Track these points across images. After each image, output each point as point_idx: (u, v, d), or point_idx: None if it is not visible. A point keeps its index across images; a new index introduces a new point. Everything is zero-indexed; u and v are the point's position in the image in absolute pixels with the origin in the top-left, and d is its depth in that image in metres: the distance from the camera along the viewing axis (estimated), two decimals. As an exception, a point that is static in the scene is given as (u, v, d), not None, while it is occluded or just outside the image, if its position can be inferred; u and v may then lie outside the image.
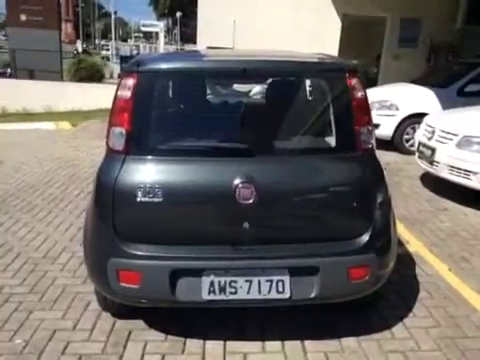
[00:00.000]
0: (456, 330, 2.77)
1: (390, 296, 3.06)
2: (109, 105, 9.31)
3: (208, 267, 2.27)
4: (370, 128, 2.40)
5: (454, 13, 10.14)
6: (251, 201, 2.20)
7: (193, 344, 2.59)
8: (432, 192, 5.54)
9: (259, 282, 2.27)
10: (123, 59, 23.33)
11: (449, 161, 4.89)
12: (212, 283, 2.27)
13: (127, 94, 2.28)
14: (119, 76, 20.05)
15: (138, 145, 2.29)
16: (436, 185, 5.59)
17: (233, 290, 2.27)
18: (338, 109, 2.38)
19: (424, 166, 5.50)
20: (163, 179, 2.25)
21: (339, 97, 2.37)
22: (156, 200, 2.21)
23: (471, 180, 4.68)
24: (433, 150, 5.16)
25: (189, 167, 2.29)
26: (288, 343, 2.59)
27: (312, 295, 2.30)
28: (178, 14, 41.89)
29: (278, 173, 2.30)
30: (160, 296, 2.31)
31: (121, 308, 2.71)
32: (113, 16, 35.92)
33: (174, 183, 2.25)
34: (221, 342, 2.60)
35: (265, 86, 5.84)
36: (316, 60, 2.59)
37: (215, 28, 10.01)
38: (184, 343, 2.60)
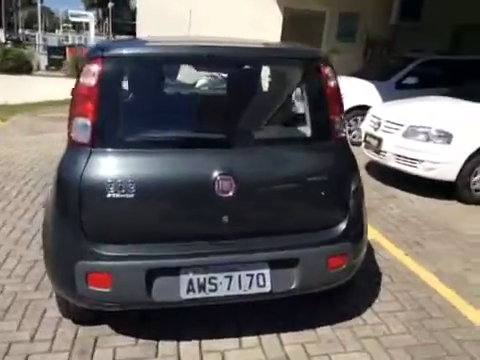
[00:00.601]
0: (421, 312, 2.87)
1: (355, 283, 3.11)
2: (39, 98, 8.79)
3: (186, 265, 2.16)
4: (343, 117, 2.40)
5: (389, 9, 10.61)
6: (231, 194, 2.11)
7: (166, 346, 2.47)
8: (378, 181, 5.75)
9: (239, 277, 2.20)
10: (51, 50, 22.01)
11: (396, 150, 5.09)
12: (191, 281, 2.16)
13: (91, 81, 2.10)
14: (46, 68, 18.75)
15: (105, 137, 2.11)
16: (381, 174, 5.80)
17: (213, 287, 2.18)
18: (313, 98, 2.34)
19: (371, 156, 5.68)
20: (134, 173, 2.09)
21: (314, 86, 2.34)
22: (128, 196, 2.06)
23: (417, 168, 4.90)
24: (380, 140, 5.34)
25: (162, 159, 2.15)
26: (264, 337, 2.55)
27: (292, 287, 2.26)
28: (110, 4, 40.30)
29: (256, 164, 2.22)
30: (135, 299, 2.16)
31: (85, 314, 2.52)
32: (39, 4, 33.75)
33: (147, 177, 2.10)
34: (196, 341, 2.50)
35: (211, 78, 5.75)
36: (290, 47, 2.54)
37: (157, 18, 9.70)
38: (156, 346, 2.47)
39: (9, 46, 19.70)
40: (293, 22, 10.55)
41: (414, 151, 4.89)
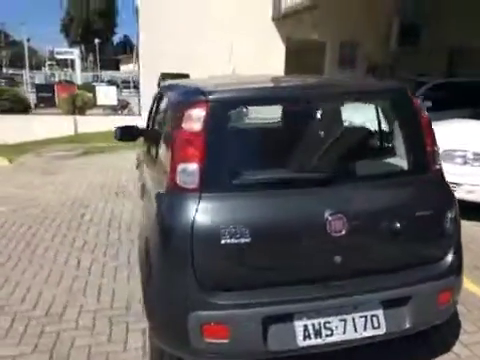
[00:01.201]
0: (510, 341, 2.81)
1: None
2: (37, 137, 8.75)
3: (300, 310, 2.07)
4: (436, 148, 2.39)
5: (388, 35, 10.93)
6: (343, 233, 2.06)
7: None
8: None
9: (353, 320, 2.12)
10: (39, 88, 21.97)
11: (432, 175, 5.09)
12: (306, 327, 2.07)
13: (196, 126, 2.05)
14: (35, 106, 18.66)
15: (213, 181, 2.06)
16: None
17: (329, 332, 2.09)
18: (409, 131, 2.34)
19: None
20: (246, 217, 2.03)
21: (409, 118, 2.34)
22: (242, 241, 1.98)
23: (457, 192, 4.91)
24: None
25: (273, 201, 2.09)
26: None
27: (406, 326, 2.19)
28: (96, 40, 40.68)
29: (363, 201, 2.18)
30: (252, 349, 2.06)
31: None
32: (26, 43, 33.84)
33: (259, 220, 2.04)
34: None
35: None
36: (381, 83, 2.55)
37: (161, 54, 9.79)
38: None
39: (3, 85, 19.57)
40: (295, 52, 10.76)
41: (452, 175, 4.89)
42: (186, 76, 8.66)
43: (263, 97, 2.26)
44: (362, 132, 2.38)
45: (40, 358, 2.70)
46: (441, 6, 10.32)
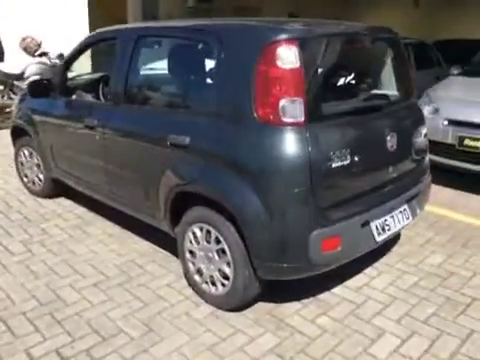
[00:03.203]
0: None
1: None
2: None
3: (374, 214, 2.55)
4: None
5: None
6: (395, 148, 2.64)
7: (327, 297, 2.78)
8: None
9: (397, 215, 2.73)
10: None
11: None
12: (377, 227, 2.57)
13: (293, 62, 2.20)
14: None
15: (312, 113, 2.26)
16: None
17: (388, 227, 2.65)
18: (401, 66, 2.99)
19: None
20: (345, 141, 2.37)
21: (402, 56, 3.00)
22: (345, 162, 2.32)
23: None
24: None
25: (357, 126, 2.49)
26: (377, 265, 3.14)
27: (417, 213, 2.96)
28: None
29: (397, 121, 2.80)
30: (352, 252, 2.49)
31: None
32: None
33: (353, 143, 2.40)
34: (340, 287, 2.88)
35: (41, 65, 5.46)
36: (383, 26, 3.06)
37: None
38: (322, 300, 2.75)
39: None
40: (100, 5, 10.00)
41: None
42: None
43: (341, 34, 2.60)
44: (381, 67, 2.95)
45: (91, 340, 2.39)
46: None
